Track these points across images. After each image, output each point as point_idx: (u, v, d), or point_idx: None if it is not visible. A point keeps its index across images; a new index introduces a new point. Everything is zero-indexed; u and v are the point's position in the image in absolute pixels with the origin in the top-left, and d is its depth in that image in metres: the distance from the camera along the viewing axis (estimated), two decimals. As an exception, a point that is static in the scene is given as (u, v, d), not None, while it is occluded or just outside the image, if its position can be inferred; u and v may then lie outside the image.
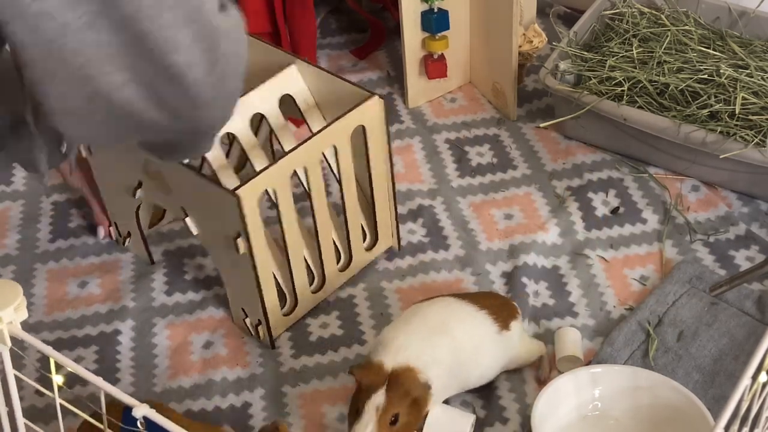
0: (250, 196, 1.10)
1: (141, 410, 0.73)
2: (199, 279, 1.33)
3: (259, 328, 1.22)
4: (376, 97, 1.22)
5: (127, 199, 1.27)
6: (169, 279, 1.33)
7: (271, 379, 1.20)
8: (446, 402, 1.15)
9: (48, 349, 0.79)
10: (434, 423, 1.10)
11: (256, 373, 1.21)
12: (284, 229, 1.18)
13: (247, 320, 1.23)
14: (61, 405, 0.82)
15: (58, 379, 0.79)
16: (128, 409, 0.74)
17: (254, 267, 1.16)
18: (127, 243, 1.35)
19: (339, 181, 1.24)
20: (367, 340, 1.24)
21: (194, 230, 1.19)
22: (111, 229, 1.36)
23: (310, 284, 1.26)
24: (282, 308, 1.24)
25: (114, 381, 1.20)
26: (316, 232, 1.23)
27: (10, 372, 0.84)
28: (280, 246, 1.21)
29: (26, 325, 1.23)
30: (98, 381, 0.76)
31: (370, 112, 1.22)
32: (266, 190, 1.14)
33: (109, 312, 1.29)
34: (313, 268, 1.26)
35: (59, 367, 0.78)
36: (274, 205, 1.16)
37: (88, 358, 1.23)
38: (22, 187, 1.48)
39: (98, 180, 1.32)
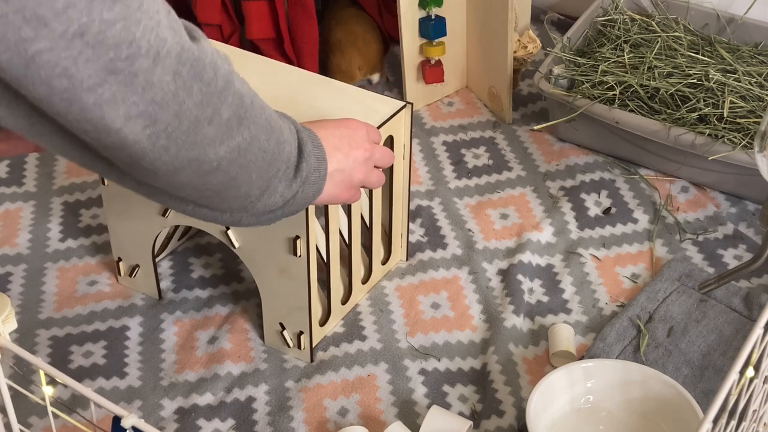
0: None
1: (130, 420, 0.72)
2: (206, 277, 1.35)
3: (302, 337, 1.21)
4: (409, 106, 1.21)
5: (149, 225, 1.24)
6: (176, 277, 1.34)
7: (275, 374, 1.22)
8: (443, 405, 1.17)
9: (38, 361, 0.79)
10: (430, 427, 1.11)
11: (260, 368, 1.22)
12: (329, 238, 1.16)
13: (285, 332, 1.21)
14: (53, 407, 0.83)
15: (48, 391, 0.80)
16: (117, 418, 0.73)
17: (308, 270, 1.14)
18: (135, 274, 1.31)
19: (369, 196, 1.22)
20: (367, 336, 1.26)
21: (236, 243, 1.17)
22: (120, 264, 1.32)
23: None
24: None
25: (122, 375, 1.22)
26: (350, 243, 1.22)
27: (3, 381, 0.84)
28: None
29: (37, 322, 1.27)
30: (87, 392, 0.76)
31: (399, 122, 1.21)
32: None
33: (118, 308, 1.30)
34: (341, 281, 1.26)
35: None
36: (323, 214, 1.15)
37: (97, 353, 1.24)
38: (34, 188, 1.50)
39: (112, 208, 1.26)
